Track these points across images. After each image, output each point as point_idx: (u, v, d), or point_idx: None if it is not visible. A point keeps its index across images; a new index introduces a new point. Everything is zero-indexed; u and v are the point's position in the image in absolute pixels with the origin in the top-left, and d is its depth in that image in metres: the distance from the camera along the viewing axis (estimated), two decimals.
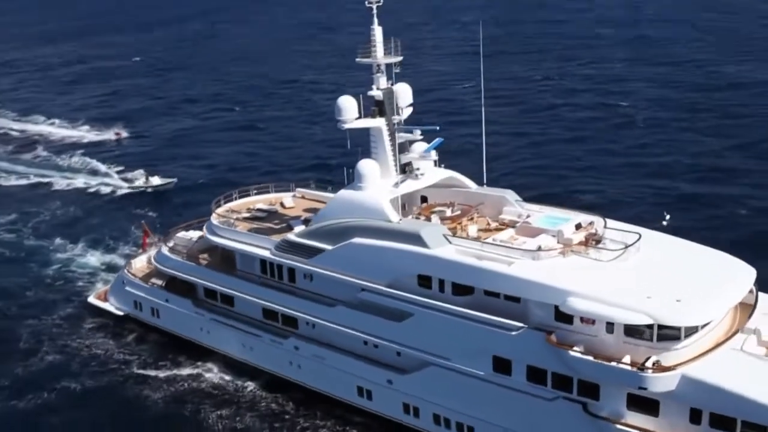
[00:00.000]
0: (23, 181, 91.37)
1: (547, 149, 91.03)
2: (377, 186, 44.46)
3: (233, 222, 50.76)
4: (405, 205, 46.83)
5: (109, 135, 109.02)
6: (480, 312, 38.67)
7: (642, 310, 34.62)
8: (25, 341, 54.54)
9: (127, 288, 56.10)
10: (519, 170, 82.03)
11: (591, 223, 42.38)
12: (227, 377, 49.41)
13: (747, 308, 38.04)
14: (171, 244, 55.07)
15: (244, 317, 49.39)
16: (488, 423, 39.70)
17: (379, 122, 45.35)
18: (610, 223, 42.58)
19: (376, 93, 45.26)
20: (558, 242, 40.36)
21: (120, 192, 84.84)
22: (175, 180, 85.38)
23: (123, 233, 71.52)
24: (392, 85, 45.96)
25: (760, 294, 39.76)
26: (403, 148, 46.31)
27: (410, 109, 47.45)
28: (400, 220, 43.07)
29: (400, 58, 45.59)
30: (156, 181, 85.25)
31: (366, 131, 46.21)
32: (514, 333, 37.46)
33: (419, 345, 41.20)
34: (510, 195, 46.36)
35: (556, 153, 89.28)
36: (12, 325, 57.02)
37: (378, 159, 45.58)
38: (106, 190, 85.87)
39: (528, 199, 47.40)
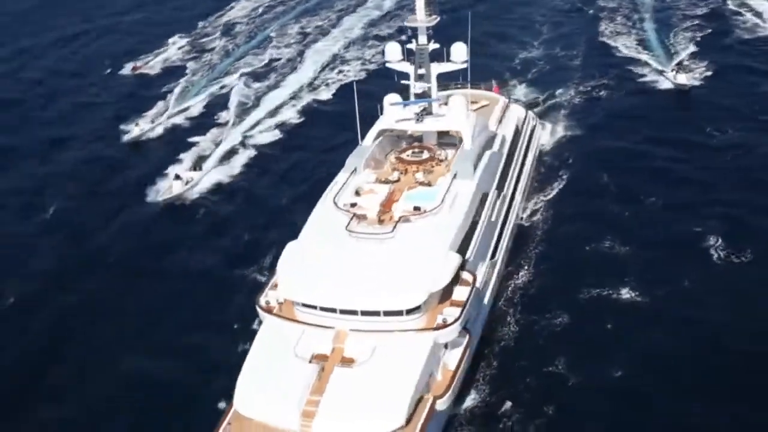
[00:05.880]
0: None
1: None
2: (387, 115, 56.98)
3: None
4: (422, 138, 59.04)
5: None
6: None
7: (286, 280, 44.40)
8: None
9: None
10: None
11: (425, 211, 47.75)
12: None
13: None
14: None
15: None
16: None
17: (407, 68, 58.11)
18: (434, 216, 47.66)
19: (412, 46, 58.34)
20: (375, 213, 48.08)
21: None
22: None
23: None
24: (431, 42, 57.87)
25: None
26: (425, 94, 57.99)
27: (465, 64, 58.96)
28: (359, 145, 55.56)
29: (436, 20, 57.89)
30: (681, 79, 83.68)
31: None
32: None
33: None
34: (465, 167, 52.33)
35: None
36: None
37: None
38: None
39: None
